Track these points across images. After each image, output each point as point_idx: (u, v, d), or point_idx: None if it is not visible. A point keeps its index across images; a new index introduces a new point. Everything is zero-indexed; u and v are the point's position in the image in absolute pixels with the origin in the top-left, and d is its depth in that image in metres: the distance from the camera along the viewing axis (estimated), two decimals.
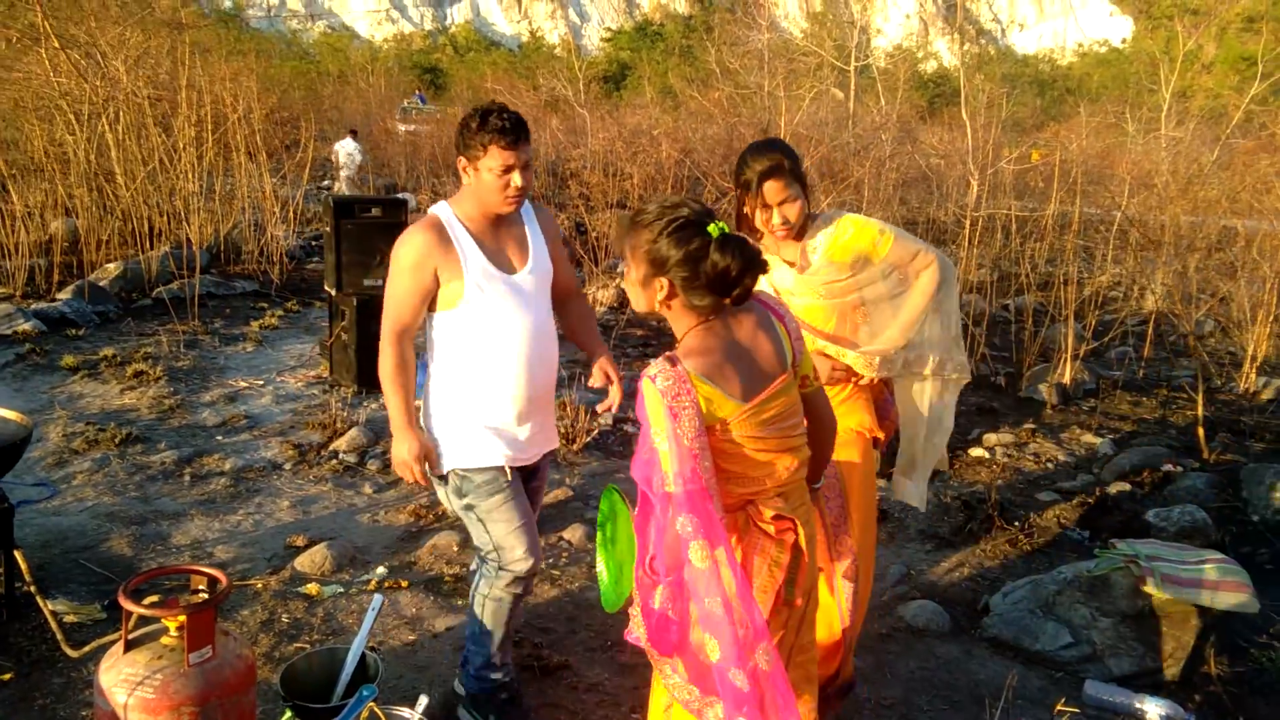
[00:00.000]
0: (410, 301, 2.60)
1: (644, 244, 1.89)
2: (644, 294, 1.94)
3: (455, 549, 4.07)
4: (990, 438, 5.68)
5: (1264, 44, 18.44)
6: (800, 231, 2.82)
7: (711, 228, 1.85)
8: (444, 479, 2.72)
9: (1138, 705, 3.06)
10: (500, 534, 2.67)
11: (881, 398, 2.97)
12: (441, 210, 2.63)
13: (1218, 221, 9.42)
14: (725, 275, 1.84)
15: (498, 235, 2.63)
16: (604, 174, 11.91)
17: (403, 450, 2.64)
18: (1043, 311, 7.65)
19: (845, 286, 2.82)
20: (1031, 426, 5.93)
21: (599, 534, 2.30)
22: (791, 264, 2.84)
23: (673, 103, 20.42)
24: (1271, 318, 7.13)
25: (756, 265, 1.86)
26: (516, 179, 2.49)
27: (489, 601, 2.74)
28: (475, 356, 2.61)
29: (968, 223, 9.65)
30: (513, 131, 2.46)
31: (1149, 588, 3.25)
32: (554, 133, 17.53)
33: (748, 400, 1.87)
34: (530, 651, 3.33)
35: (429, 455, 2.67)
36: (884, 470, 4.40)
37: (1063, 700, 3.05)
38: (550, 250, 2.78)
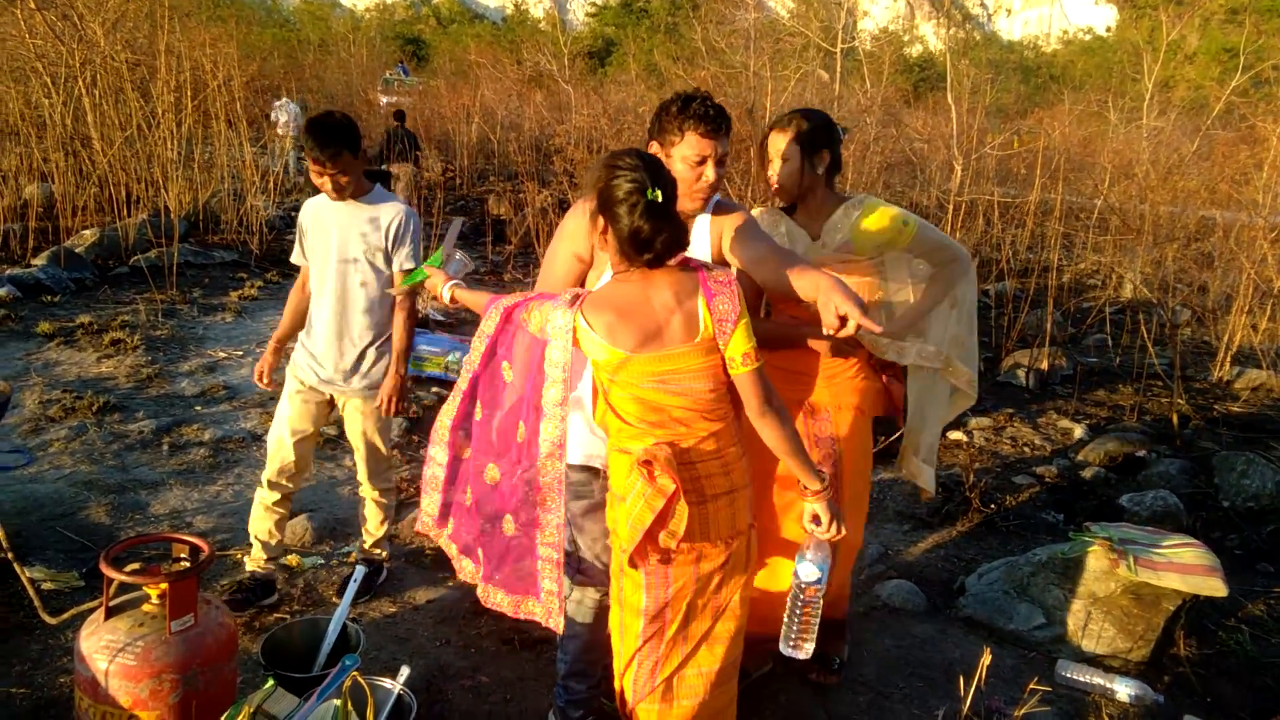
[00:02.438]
0: (556, 270, 2.48)
1: (600, 181, 2.07)
2: (591, 225, 2.13)
3: None
4: (968, 421, 5.74)
5: (1246, 36, 18.56)
6: (818, 205, 2.81)
7: (650, 192, 2.00)
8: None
9: (1108, 685, 3.12)
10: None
11: (890, 378, 2.96)
12: None
13: (1196, 212, 9.52)
14: (638, 235, 2.02)
15: None
16: (588, 151, 11.84)
17: None
18: (1022, 297, 7.71)
19: (860, 268, 2.80)
20: (1009, 411, 5.99)
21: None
22: (816, 238, 2.82)
23: (658, 80, 20.29)
24: (1247, 308, 7.23)
25: (674, 240, 2.05)
26: (710, 172, 2.39)
27: (569, 604, 2.65)
28: None
29: (950, 207, 9.69)
30: (714, 120, 2.35)
31: (1122, 570, 3.30)
32: (538, 108, 17.42)
33: (632, 352, 2.06)
34: (511, 626, 3.34)
35: None
36: (888, 449, 4.46)
37: (1035, 679, 3.10)
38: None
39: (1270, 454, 5.01)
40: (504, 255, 9.84)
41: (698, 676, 2.25)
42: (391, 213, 3.23)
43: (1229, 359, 6.74)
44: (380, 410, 3.34)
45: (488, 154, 16.50)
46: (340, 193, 3.13)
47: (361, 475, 3.51)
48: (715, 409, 2.14)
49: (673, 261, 2.10)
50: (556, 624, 2.23)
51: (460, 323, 7.31)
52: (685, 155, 2.36)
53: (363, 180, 3.22)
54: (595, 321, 2.08)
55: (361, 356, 3.29)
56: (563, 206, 10.43)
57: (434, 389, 5.62)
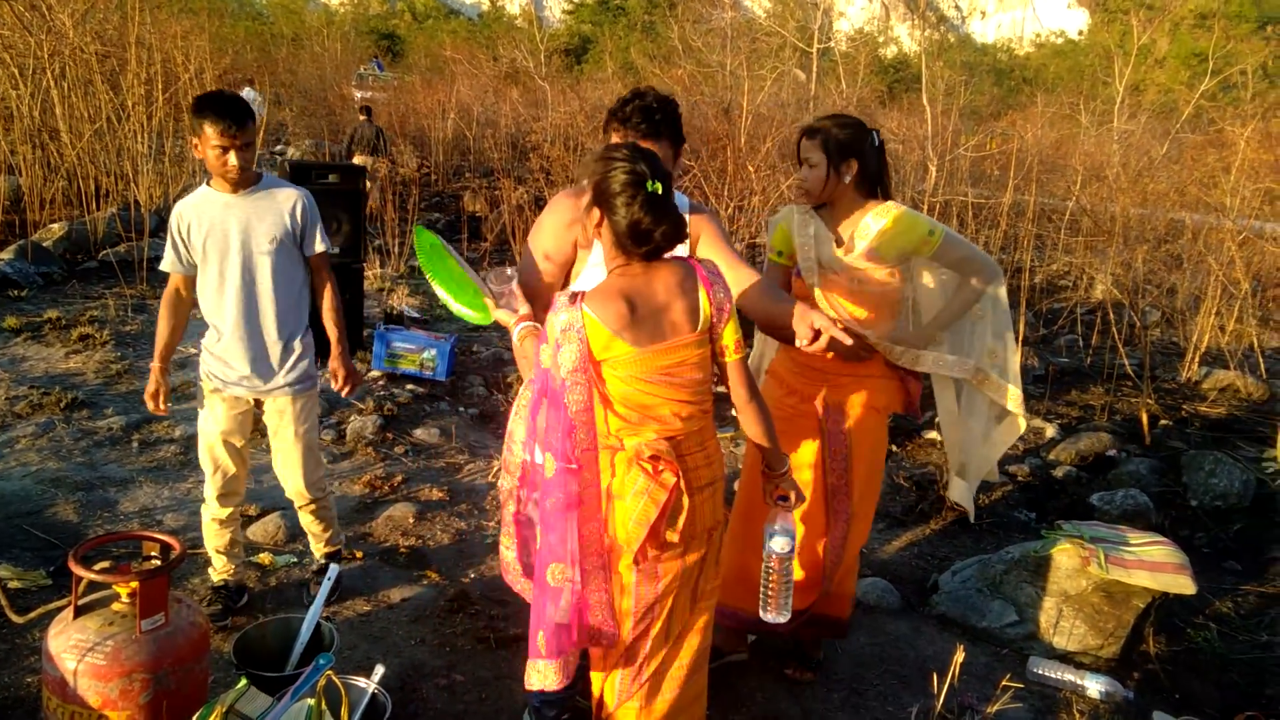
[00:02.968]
0: (541, 264, 2.54)
1: (597, 173, 2.09)
2: (586, 219, 2.15)
3: (411, 520, 4.05)
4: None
5: (1215, 41, 18.83)
6: (846, 209, 2.85)
7: (650, 184, 2.03)
8: None
9: (1079, 682, 3.16)
10: None
11: (907, 375, 2.98)
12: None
13: (1166, 214, 9.63)
14: (637, 227, 2.03)
15: None
16: (565, 148, 11.81)
17: None
18: None
19: (883, 276, 2.83)
20: None
21: (429, 272, 2.67)
22: (840, 244, 2.86)
23: (634, 78, 20.27)
24: (1215, 309, 7.33)
25: (673, 233, 2.06)
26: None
27: None
28: None
29: (924, 208, 9.76)
30: (651, 121, 2.45)
31: (1092, 568, 3.34)
32: (514, 105, 17.35)
33: (641, 347, 2.05)
34: (486, 624, 3.34)
35: None
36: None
37: (1007, 676, 3.13)
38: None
39: (1237, 454, 5.08)
40: (480, 252, 9.79)
41: (678, 669, 2.28)
42: (294, 196, 3.08)
43: (1197, 360, 6.84)
44: (343, 392, 3.28)
45: (463, 150, 16.41)
46: (244, 173, 2.93)
47: (296, 484, 3.31)
48: (707, 400, 2.18)
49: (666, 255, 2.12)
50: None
51: (435, 319, 7.27)
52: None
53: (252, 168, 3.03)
54: (603, 315, 2.05)
55: (286, 351, 3.14)
56: (539, 203, 10.40)
57: (409, 386, 5.58)
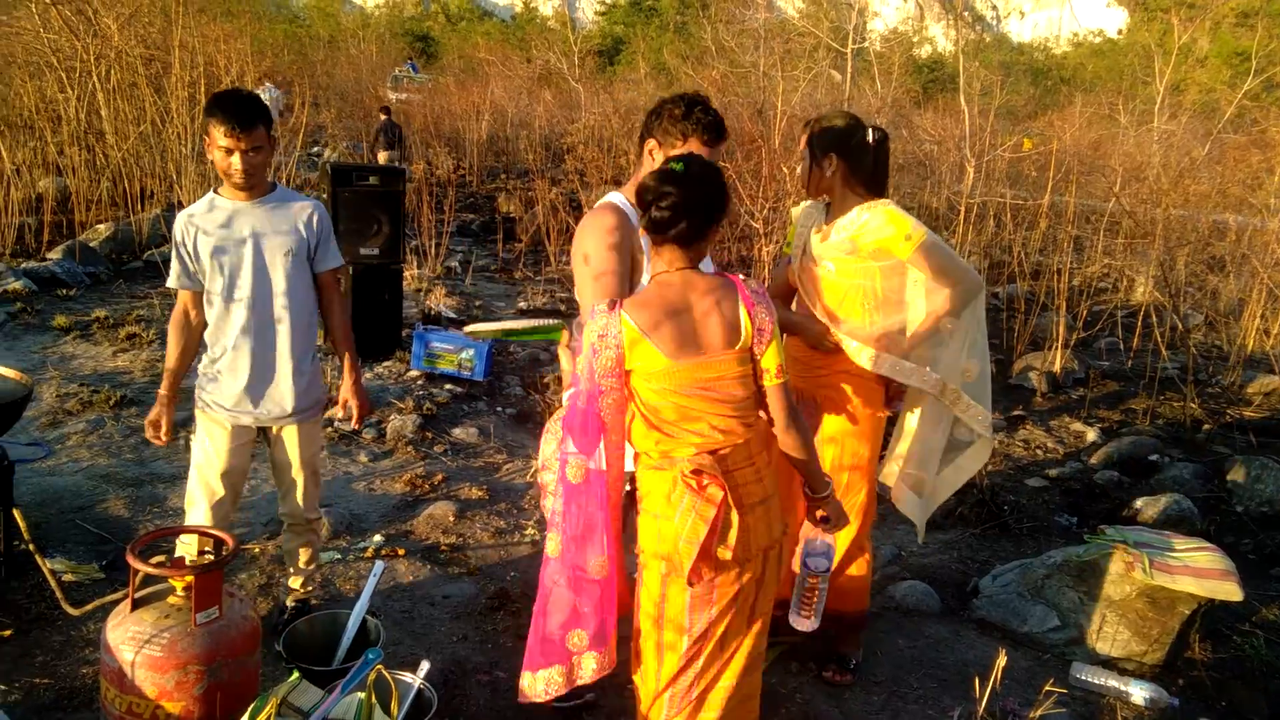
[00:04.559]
0: (624, 277, 2.40)
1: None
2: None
3: (451, 519, 4.09)
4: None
5: (1258, 40, 18.48)
6: (838, 203, 2.91)
7: (674, 164, 2.08)
8: None
9: (1123, 688, 3.13)
10: None
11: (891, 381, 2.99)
12: (616, 199, 2.48)
13: (1208, 216, 9.49)
14: (644, 193, 2.06)
15: None
16: (599, 149, 11.87)
17: None
18: (1033, 300, 7.71)
19: (854, 270, 2.86)
20: (1021, 413, 5.99)
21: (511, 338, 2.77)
22: (819, 231, 2.97)
23: (667, 79, 20.29)
24: (1259, 313, 7.22)
25: (662, 205, 2.02)
26: None
27: None
28: None
29: (962, 209, 9.68)
30: (714, 129, 2.34)
31: (1137, 574, 3.31)
32: (548, 106, 17.44)
33: (675, 359, 2.04)
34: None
35: None
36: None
37: (1050, 681, 3.11)
38: None
39: None
40: (514, 253, 9.86)
41: (729, 677, 2.25)
42: (310, 207, 2.90)
43: (1241, 363, 6.73)
44: (354, 424, 3.11)
45: (498, 152, 16.52)
46: (250, 178, 2.73)
47: (294, 507, 3.09)
48: (751, 416, 2.14)
49: (709, 268, 2.10)
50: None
51: (472, 320, 7.33)
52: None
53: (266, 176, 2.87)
54: (637, 317, 2.05)
55: (299, 374, 2.91)
56: (573, 204, 10.44)
57: (447, 386, 5.64)
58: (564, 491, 2.21)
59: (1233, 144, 13.54)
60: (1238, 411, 5.90)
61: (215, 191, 2.84)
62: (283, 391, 2.90)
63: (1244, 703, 3.19)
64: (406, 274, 7.53)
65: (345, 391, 3.06)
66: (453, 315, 7.22)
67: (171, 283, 2.87)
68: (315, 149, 15.90)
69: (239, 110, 2.66)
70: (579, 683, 2.28)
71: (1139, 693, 3.11)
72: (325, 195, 6.04)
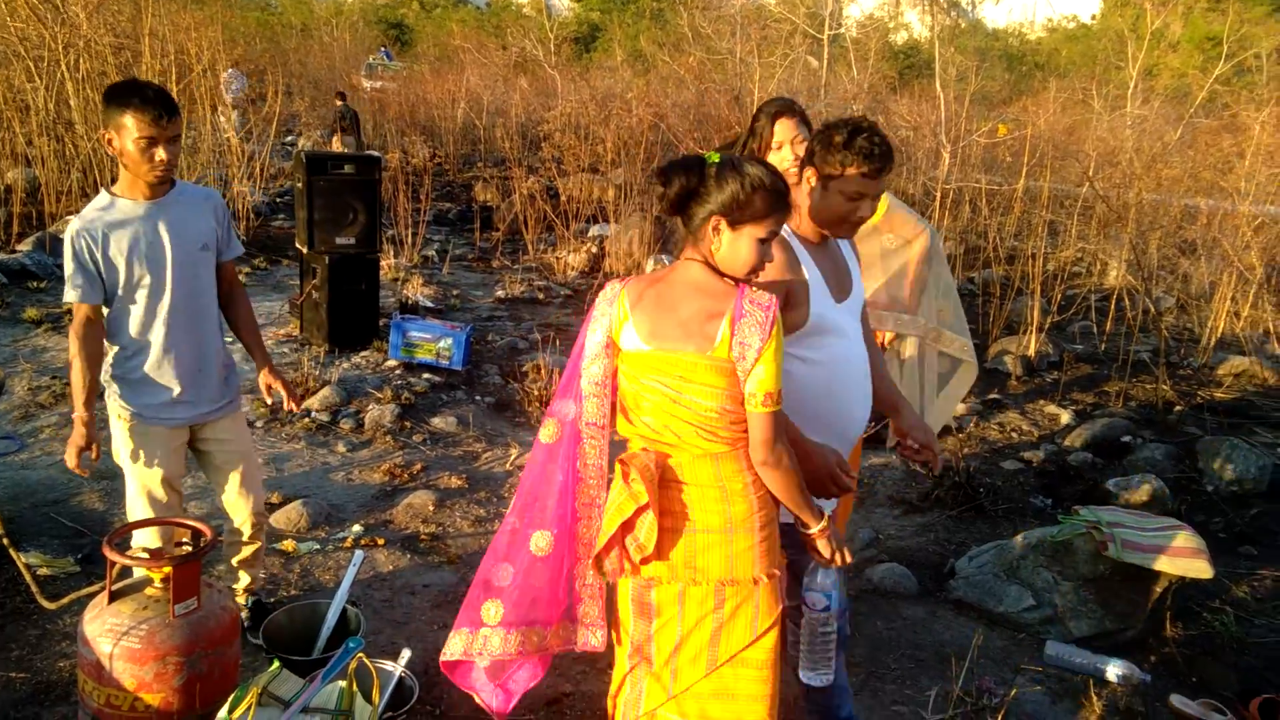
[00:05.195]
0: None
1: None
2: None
3: (431, 508, 4.09)
4: (957, 407, 5.78)
5: (1229, 24, 18.65)
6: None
7: (710, 154, 1.99)
8: None
9: (1097, 665, 3.18)
10: None
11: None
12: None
13: (1180, 200, 9.59)
14: (662, 170, 2.00)
15: (822, 258, 2.33)
16: (576, 137, 11.83)
17: (818, 467, 2.17)
18: (1008, 285, 7.78)
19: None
20: (997, 397, 6.05)
21: None
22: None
23: (644, 66, 20.23)
24: (1230, 295, 7.31)
25: (669, 189, 1.96)
26: (866, 209, 2.23)
27: None
28: (813, 388, 2.25)
29: (938, 195, 9.74)
30: (880, 159, 2.18)
31: (1110, 553, 3.36)
32: (524, 94, 17.34)
33: (647, 343, 1.98)
34: None
35: None
36: (877, 435, 4.57)
37: (1025, 660, 3.16)
38: None
39: (1253, 439, 5.08)
40: (492, 242, 9.82)
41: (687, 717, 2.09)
42: (213, 196, 2.82)
43: (1212, 345, 6.82)
44: (289, 407, 3.04)
45: (474, 140, 16.42)
46: (170, 170, 2.62)
47: (243, 502, 2.95)
48: (719, 433, 1.96)
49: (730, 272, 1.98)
50: (601, 641, 2.14)
51: (450, 309, 7.31)
52: (844, 189, 2.21)
53: None
54: (632, 297, 2.02)
55: (225, 365, 2.88)
56: (551, 193, 10.42)
57: (425, 375, 5.62)
58: (534, 449, 2.15)
59: (1204, 128, 13.67)
60: (1208, 393, 5.98)
61: (110, 191, 2.66)
62: (215, 383, 2.84)
63: (1214, 678, 3.25)
64: (383, 263, 7.49)
65: (266, 378, 3.01)
66: (430, 304, 7.19)
67: (72, 298, 2.62)
68: (289, 138, 15.75)
69: (160, 97, 2.53)
70: (475, 659, 2.14)
71: (1112, 670, 3.16)
72: (300, 184, 6.00)
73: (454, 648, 2.15)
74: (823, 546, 2.10)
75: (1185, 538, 3.42)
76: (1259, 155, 9.25)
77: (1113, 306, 7.54)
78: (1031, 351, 6.68)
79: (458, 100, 17.25)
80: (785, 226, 2.23)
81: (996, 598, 3.58)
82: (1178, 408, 5.75)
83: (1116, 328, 7.26)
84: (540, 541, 2.10)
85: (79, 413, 2.61)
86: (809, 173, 2.28)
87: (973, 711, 2.96)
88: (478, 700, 2.20)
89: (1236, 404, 5.81)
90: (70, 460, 2.62)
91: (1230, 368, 6.49)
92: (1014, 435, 5.48)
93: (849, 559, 2.14)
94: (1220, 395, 5.95)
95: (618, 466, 2.03)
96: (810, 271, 2.24)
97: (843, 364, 2.30)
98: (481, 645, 2.11)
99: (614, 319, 2.04)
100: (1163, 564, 3.32)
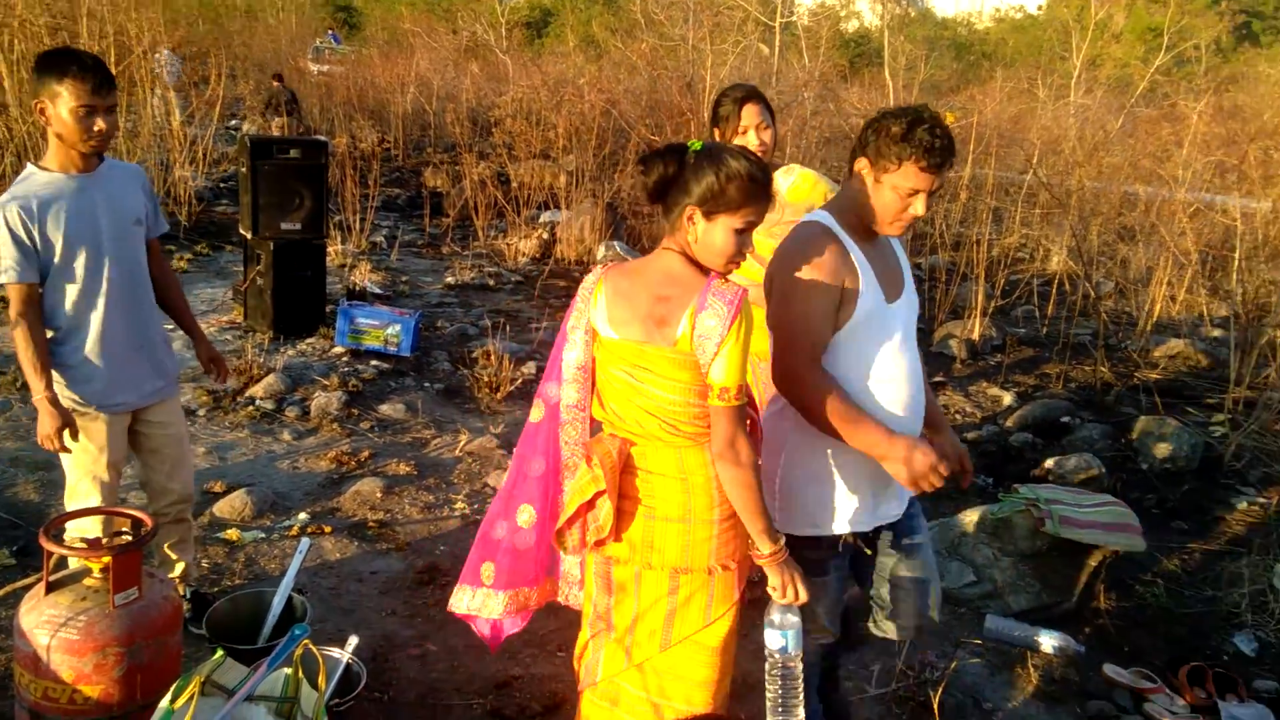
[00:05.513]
0: (824, 316, 2.10)
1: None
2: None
3: (379, 495, 4.07)
4: None
5: (1170, 15, 19.06)
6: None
7: (693, 142, 1.97)
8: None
9: (1034, 638, 3.27)
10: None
11: None
12: (825, 219, 2.18)
13: (1120, 187, 9.81)
14: (647, 156, 1.99)
15: (873, 256, 2.20)
16: (527, 122, 11.74)
17: (918, 460, 2.04)
18: (954, 270, 7.90)
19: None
20: (941, 379, 6.16)
21: None
22: None
23: (596, 52, 20.14)
24: (1166, 280, 7.51)
25: (644, 165, 1.97)
26: (920, 206, 2.08)
27: None
28: (857, 392, 2.15)
29: None
30: (941, 154, 2.04)
31: (1047, 529, 3.45)
32: (475, 78, 17.17)
33: (616, 332, 2.00)
34: None
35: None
36: None
37: (965, 634, 3.23)
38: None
39: (1186, 419, 5.24)
40: (441, 228, 9.73)
41: (644, 701, 2.12)
42: (139, 171, 2.78)
43: (1149, 329, 7.01)
44: (222, 381, 3.06)
45: (424, 125, 16.22)
46: (108, 141, 2.54)
47: (175, 485, 2.90)
48: (680, 426, 1.97)
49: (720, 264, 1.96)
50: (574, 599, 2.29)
51: (399, 295, 7.24)
52: (898, 185, 2.07)
53: None
54: (610, 284, 2.03)
55: (165, 345, 2.84)
56: (501, 179, 10.34)
57: (373, 362, 5.57)
58: (524, 429, 2.28)
59: (1145, 118, 13.97)
60: (1144, 374, 6.15)
61: (39, 165, 2.57)
62: (156, 365, 2.78)
63: (1145, 647, 3.36)
64: (330, 249, 7.39)
65: (204, 354, 2.99)
66: (378, 291, 7.12)
67: (9, 278, 2.50)
68: (233, 122, 15.43)
69: (98, 65, 2.46)
70: (477, 614, 2.34)
71: (1048, 641, 3.26)
72: (244, 168, 5.89)
73: (457, 603, 2.37)
74: (772, 576, 2.02)
75: (1119, 513, 3.53)
76: (1196, 144, 9.49)
77: (1054, 291, 7.70)
78: (975, 335, 6.81)
79: (407, 85, 17.02)
80: (835, 224, 2.15)
81: (939, 574, 3.66)
82: (1116, 389, 5.90)
83: (1058, 312, 7.42)
84: (525, 516, 2.26)
85: (42, 394, 2.51)
86: (861, 165, 2.13)
87: (915, 685, 3.03)
88: (474, 628, 2.41)
89: (1171, 385, 5.98)
90: (51, 444, 2.54)
91: (1166, 350, 6.68)
92: (958, 417, 5.59)
93: (803, 596, 2.03)
94: (1155, 376, 6.12)
95: (583, 449, 2.09)
96: (863, 269, 2.13)
97: (895, 365, 2.17)
98: (480, 604, 2.33)
99: (592, 305, 2.06)
100: (1098, 539, 3.43)
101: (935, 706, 2.78)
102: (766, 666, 2.07)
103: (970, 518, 3.76)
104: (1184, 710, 3.06)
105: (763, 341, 3.02)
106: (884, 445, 2.05)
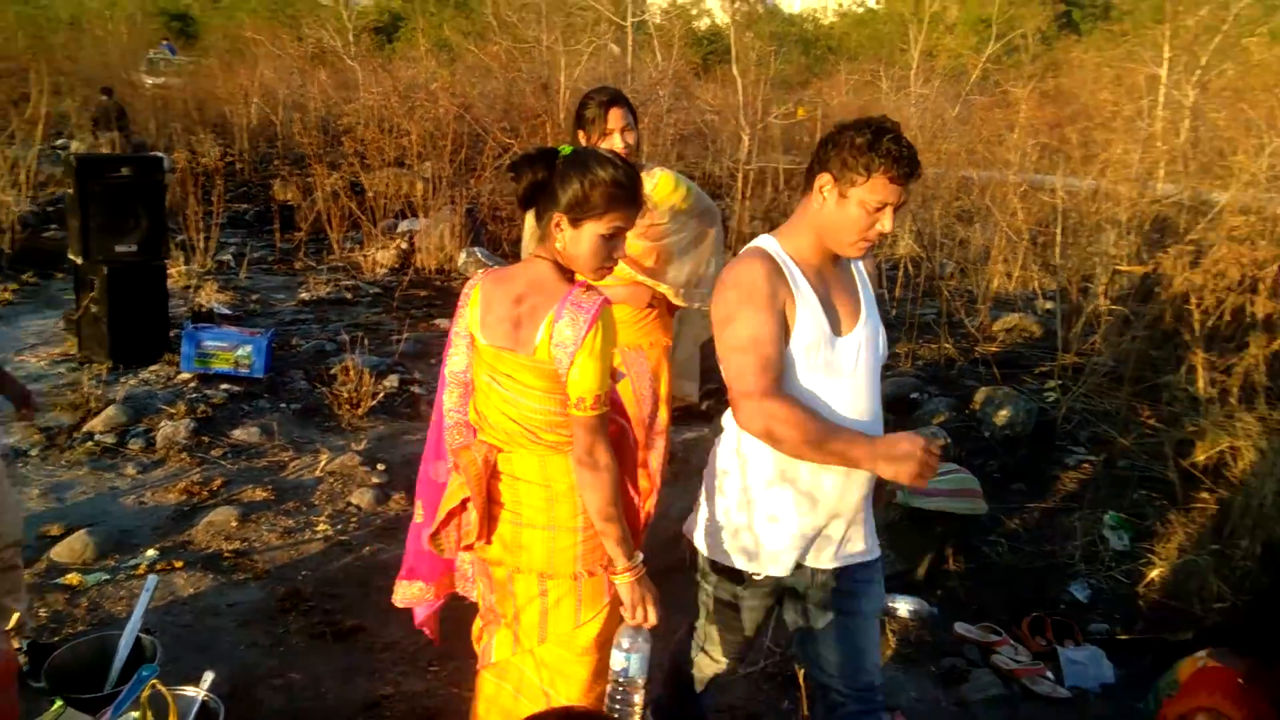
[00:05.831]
0: (773, 344, 1.96)
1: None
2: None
3: (234, 524, 3.91)
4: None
5: (998, 7, 20.21)
6: None
7: (564, 147, 1.98)
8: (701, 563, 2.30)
9: (890, 604, 3.43)
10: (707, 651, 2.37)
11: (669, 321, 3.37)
12: (767, 244, 2.07)
13: (958, 172, 10.35)
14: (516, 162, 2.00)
15: (827, 282, 2.07)
16: (380, 130, 11.47)
17: (906, 455, 1.86)
18: None
19: (661, 230, 3.17)
20: None
21: None
22: None
23: (449, 56, 19.85)
24: (1002, 258, 7.97)
25: (513, 171, 1.97)
26: (887, 221, 1.97)
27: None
28: None
29: (740, 176, 10.11)
30: (910, 164, 1.94)
31: (898, 500, 3.63)
32: (322, 87, 16.67)
33: (484, 338, 2.01)
34: (321, 619, 3.29)
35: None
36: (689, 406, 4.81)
37: None
38: None
39: (1022, 387, 5.59)
40: (294, 242, 9.42)
41: (537, 689, 2.13)
42: None
43: (988, 305, 7.42)
44: (28, 418, 2.97)
45: (270, 137, 15.65)
46: None
47: (15, 529, 2.73)
48: (541, 435, 1.98)
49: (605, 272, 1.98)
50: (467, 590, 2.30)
51: (249, 315, 6.97)
52: (865, 200, 1.94)
53: None
54: (482, 291, 2.03)
55: None
56: (355, 189, 10.08)
57: (224, 386, 5.34)
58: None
59: (979, 105, 14.76)
60: (984, 348, 6.51)
61: None
62: None
63: (992, 604, 3.58)
64: (172, 270, 7.05)
65: (15, 391, 2.88)
66: (227, 311, 6.84)
67: None
68: (60, 141, 14.51)
69: None
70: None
71: (904, 606, 3.43)
72: (72, 190, 5.55)
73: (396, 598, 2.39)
74: (623, 593, 1.99)
75: (964, 480, 3.75)
76: (1024, 128, 10.08)
77: (900, 274, 8.07)
78: None
79: (250, 96, 16.39)
80: (777, 247, 2.05)
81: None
82: (959, 363, 6.23)
83: (905, 293, 7.77)
84: (418, 513, 2.31)
85: None
86: (823, 181, 1.99)
87: (782, 660, 3.13)
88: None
89: (1008, 356, 6.35)
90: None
91: (1003, 324, 7.09)
92: None
93: (652, 619, 1.97)
94: (994, 349, 6.50)
95: (452, 456, 2.11)
96: (803, 296, 2.00)
97: (836, 406, 2.01)
98: (403, 595, 2.36)
99: (469, 312, 2.06)
100: (944, 505, 3.62)
101: (800, 678, 2.87)
102: (609, 689, 1.98)
103: None
104: (1028, 658, 3.27)
105: (630, 334, 3.14)
106: (866, 449, 1.89)
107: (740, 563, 2.15)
